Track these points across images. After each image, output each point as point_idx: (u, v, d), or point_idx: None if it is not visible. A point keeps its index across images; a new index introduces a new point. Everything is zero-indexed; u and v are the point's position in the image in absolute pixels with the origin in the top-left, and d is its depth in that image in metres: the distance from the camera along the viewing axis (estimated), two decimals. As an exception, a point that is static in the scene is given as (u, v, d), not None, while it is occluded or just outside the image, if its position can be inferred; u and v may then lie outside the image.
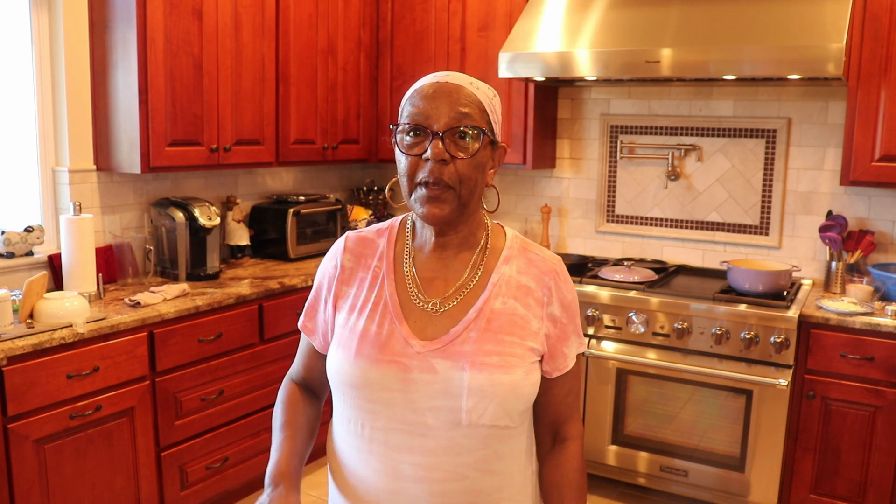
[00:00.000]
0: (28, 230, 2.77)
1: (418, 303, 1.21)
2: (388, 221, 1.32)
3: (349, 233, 1.32)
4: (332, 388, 1.25)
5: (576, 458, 1.28)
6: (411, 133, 1.17)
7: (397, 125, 1.19)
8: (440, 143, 1.14)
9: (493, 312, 1.19)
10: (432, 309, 1.21)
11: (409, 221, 1.30)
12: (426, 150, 1.14)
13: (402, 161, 1.18)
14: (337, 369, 1.22)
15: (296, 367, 1.39)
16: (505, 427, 1.18)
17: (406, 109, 1.19)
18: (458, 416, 1.15)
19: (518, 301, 1.21)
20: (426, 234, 1.25)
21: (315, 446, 1.35)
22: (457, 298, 1.21)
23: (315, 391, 1.38)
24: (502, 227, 1.30)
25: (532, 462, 1.30)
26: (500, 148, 1.24)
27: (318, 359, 1.33)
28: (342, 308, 1.26)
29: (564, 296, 1.25)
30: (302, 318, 1.34)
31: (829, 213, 3.21)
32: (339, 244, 1.31)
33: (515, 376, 1.17)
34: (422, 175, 1.15)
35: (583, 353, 1.30)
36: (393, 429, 1.17)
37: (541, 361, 1.23)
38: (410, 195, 1.18)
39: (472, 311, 1.19)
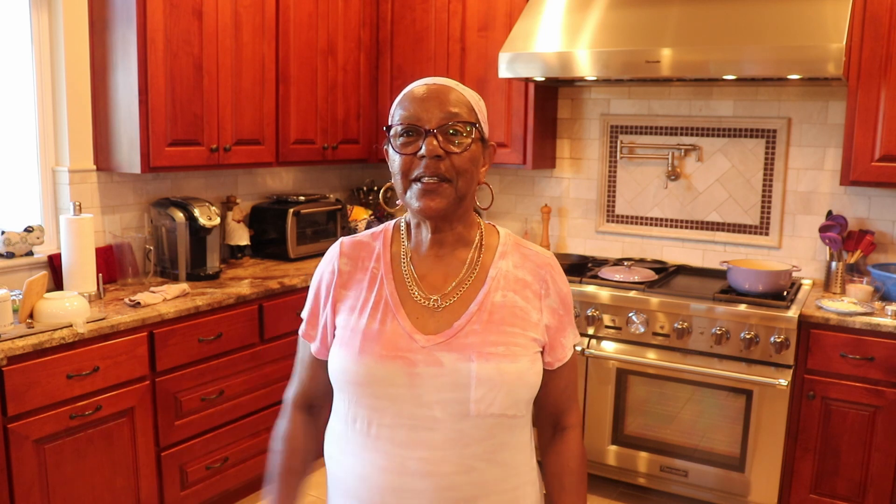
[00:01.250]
0: (28, 230, 2.77)
1: (419, 299, 1.23)
2: (382, 225, 1.34)
3: (343, 238, 1.34)
4: (336, 388, 1.26)
5: (576, 446, 1.32)
6: (404, 134, 1.20)
7: (390, 127, 1.22)
8: (434, 141, 1.17)
9: (495, 305, 1.22)
10: (433, 305, 1.23)
11: (402, 224, 1.32)
12: (420, 148, 1.17)
13: (395, 160, 1.21)
14: (341, 368, 1.22)
15: (295, 384, 1.37)
16: (512, 416, 1.20)
17: (398, 113, 1.22)
18: (466, 408, 1.16)
19: (517, 294, 1.24)
20: (422, 233, 1.27)
21: (316, 445, 1.36)
22: (457, 294, 1.23)
23: (316, 405, 1.37)
24: (494, 226, 1.33)
25: (535, 454, 1.32)
26: (490, 146, 1.28)
27: (319, 367, 1.32)
28: (342, 311, 1.27)
29: (560, 288, 1.29)
30: (303, 326, 1.34)
31: (829, 213, 3.21)
32: (334, 249, 1.33)
33: (521, 365, 1.19)
34: (417, 172, 1.18)
35: (577, 344, 1.33)
36: (400, 425, 1.18)
37: (542, 353, 1.25)
38: (406, 192, 1.21)
39: (473, 305, 1.22)
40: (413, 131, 1.19)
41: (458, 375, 1.16)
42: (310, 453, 1.36)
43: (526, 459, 1.27)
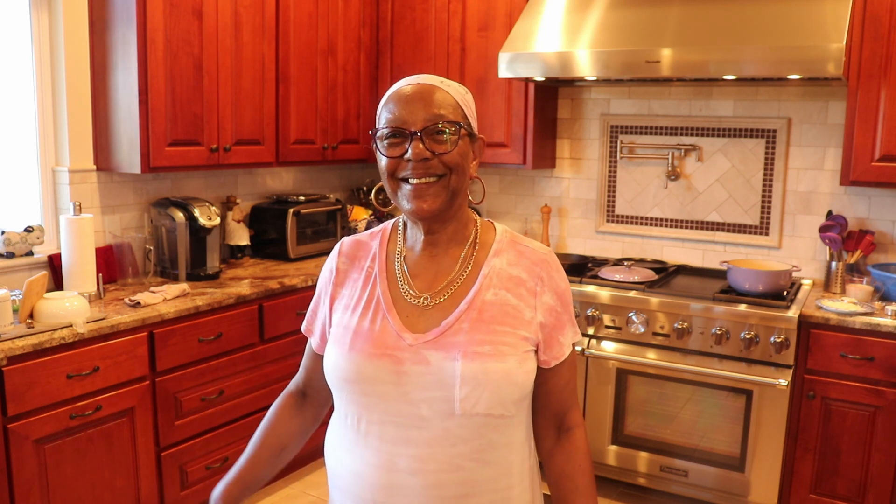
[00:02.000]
0: (28, 230, 2.77)
1: (409, 298, 1.24)
2: (382, 225, 1.36)
3: (345, 238, 1.37)
4: (330, 385, 1.28)
5: (584, 445, 1.32)
6: (390, 137, 1.20)
7: (376, 130, 1.22)
8: (420, 144, 1.17)
9: (485, 304, 1.22)
10: (423, 303, 1.23)
11: (400, 223, 1.33)
12: (407, 151, 1.18)
13: (382, 161, 1.21)
14: (333, 365, 1.25)
15: (298, 375, 1.44)
16: (500, 416, 1.19)
17: (383, 116, 1.22)
18: (451, 406, 1.16)
19: (510, 292, 1.23)
20: (416, 233, 1.28)
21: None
22: (447, 292, 1.24)
23: (310, 394, 1.42)
24: (492, 223, 1.33)
25: (532, 455, 1.31)
26: (478, 140, 1.27)
27: (318, 361, 1.37)
28: (337, 309, 1.29)
29: (557, 284, 1.27)
30: (305, 322, 1.39)
31: (829, 213, 3.21)
32: (335, 249, 1.36)
33: (508, 364, 1.19)
34: (404, 172, 1.19)
35: (577, 343, 1.33)
36: (388, 422, 1.19)
37: (536, 351, 1.25)
38: (396, 193, 1.22)
39: (463, 303, 1.22)
40: (398, 133, 1.19)
41: (443, 374, 1.17)
42: (291, 436, 1.40)
43: (519, 460, 1.26)
